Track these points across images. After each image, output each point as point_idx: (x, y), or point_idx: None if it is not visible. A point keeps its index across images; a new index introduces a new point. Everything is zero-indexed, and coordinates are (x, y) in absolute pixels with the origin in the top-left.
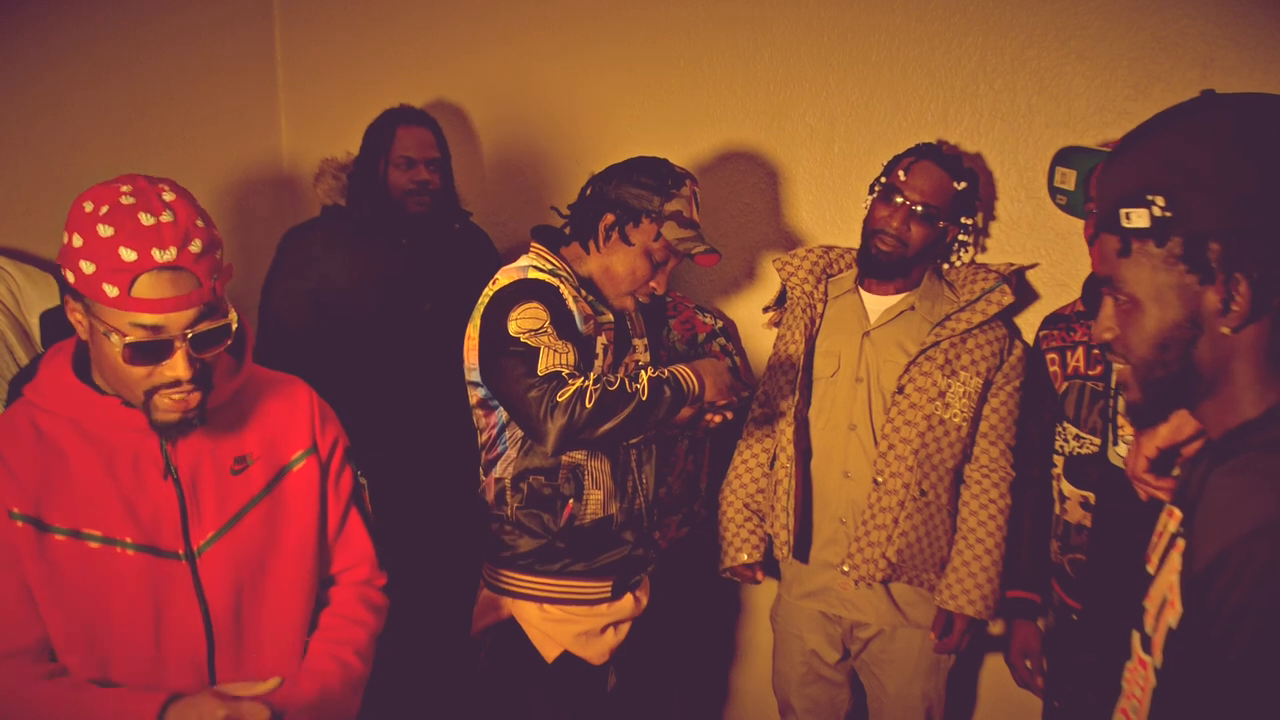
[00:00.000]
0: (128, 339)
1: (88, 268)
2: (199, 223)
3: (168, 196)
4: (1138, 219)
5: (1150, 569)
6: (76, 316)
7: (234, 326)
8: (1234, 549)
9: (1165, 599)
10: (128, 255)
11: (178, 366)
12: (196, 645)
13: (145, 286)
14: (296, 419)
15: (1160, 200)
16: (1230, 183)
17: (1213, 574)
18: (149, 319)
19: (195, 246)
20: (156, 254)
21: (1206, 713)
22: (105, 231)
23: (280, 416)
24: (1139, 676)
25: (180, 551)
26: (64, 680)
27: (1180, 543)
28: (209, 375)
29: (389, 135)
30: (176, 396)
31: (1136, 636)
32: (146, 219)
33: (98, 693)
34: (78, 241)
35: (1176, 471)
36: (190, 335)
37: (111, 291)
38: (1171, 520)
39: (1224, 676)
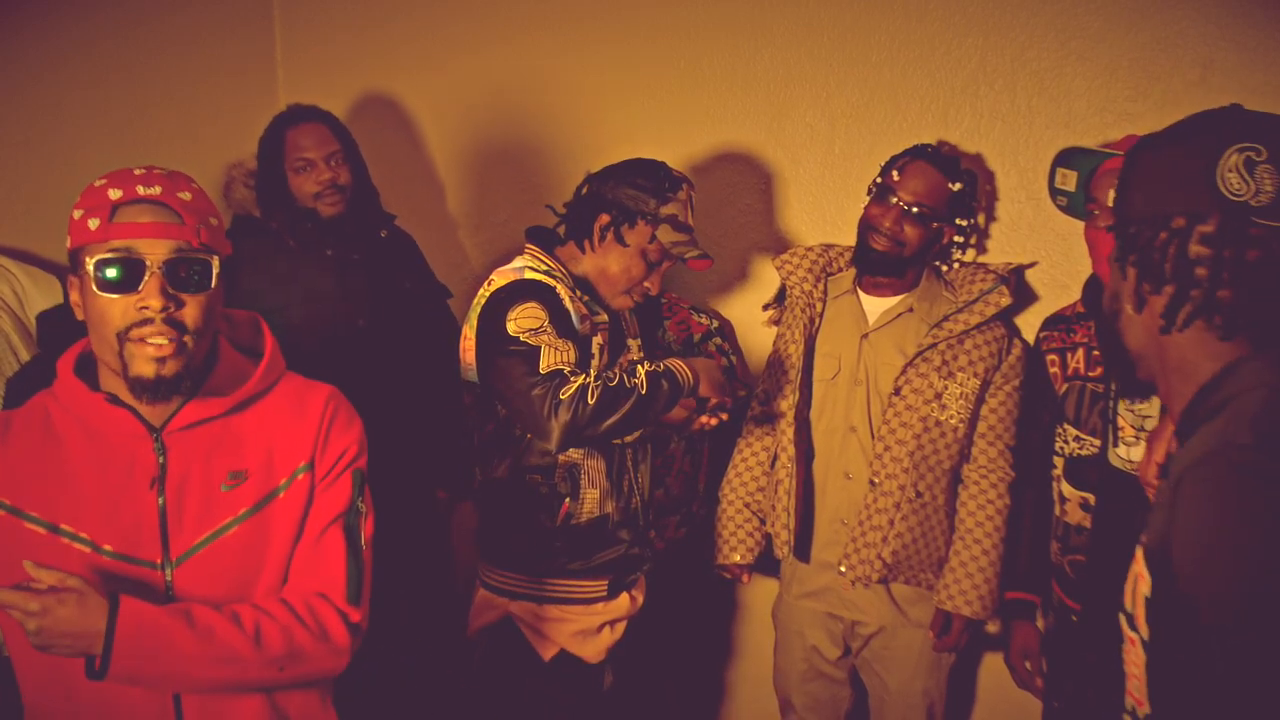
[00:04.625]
0: (100, 257)
1: (78, 214)
2: (194, 185)
3: (164, 170)
4: None
5: None
6: (74, 296)
7: (216, 270)
8: (1170, 491)
9: (1136, 573)
10: (114, 194)
11: (148, 295)
12: None
13: (124, 215)
14: (301, 432)
15: None
16: None
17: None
18: (121, 242)
19: (184, 195)
20: (140, 189)
21: (1193, 667)
22: (99, 183)
23: (286, 429)
24: (1133, 655)
25: (158, 560)
26: None
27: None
28: (187, 326)
29: (279, 142)
30: (150, 337)
31: (1123, 619)
32: (138, 171)
33: None
34: (77, 203)
35: None
36: (163, 264)
37: (94, 224)
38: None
39: (1187, 621)
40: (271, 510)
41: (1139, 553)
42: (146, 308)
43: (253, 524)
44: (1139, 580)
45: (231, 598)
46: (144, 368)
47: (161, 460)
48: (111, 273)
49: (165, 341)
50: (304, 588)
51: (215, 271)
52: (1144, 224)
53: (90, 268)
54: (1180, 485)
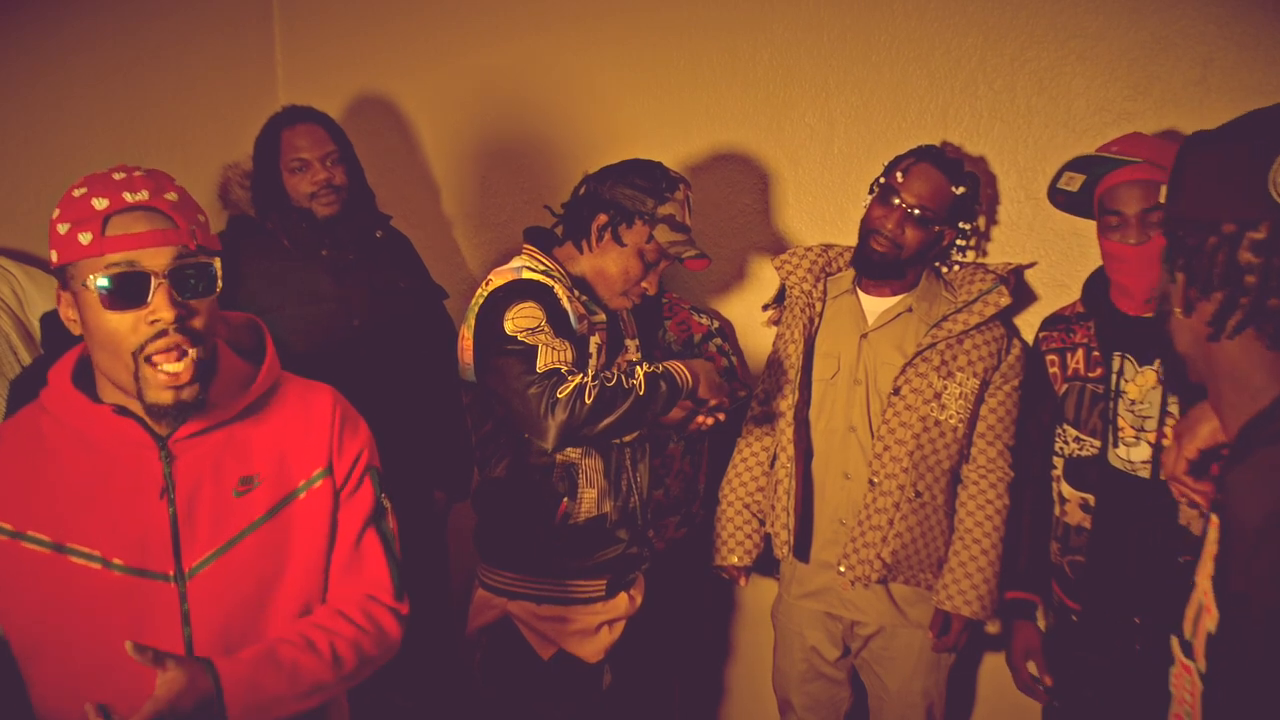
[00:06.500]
0: (103, 274)
1: (63, 228)
2: (176, 184)
3: (142, 171)
4: None
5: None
6: (68, 312)
7: (219, 271)
8: (1244, 541)
9: (1201, 604)
10: (100, 203)
11: (159, 307)
12: None
13: (117, 226)
14: (313, 435)
15: None
16: None
17: (1229, 571)
18: (120, 255)
19: (171, 196)
20: (128, 196)
21: (1251, 714)
22: (79, 192)
23: (296, 433)
24: (1185, 682)
25: (170, 573)
26: None
27: (1215, 548)
28: (200, 333)
29: (274, 142)
30: (166, 362)
31: (1175, 641)
32: (118, 175)
33: None
34: (57, 215)
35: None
36: (168, 273)
37: (85, 239)
38: (1212, 528)
39: (1250, 672)
40: (290, 514)
41: (1207, 584)
42: (158, 320)
43: (269, 529)
44: (1204, 613)
45: (248, 605)
46: (162, 395)
47: (168, 470)
48: (116, 288)
49: (181, 368)
50: (351, 593)
51: (218, 273)
52: (1193, 227)
53: (92, 285)
54: (1265, 536)
